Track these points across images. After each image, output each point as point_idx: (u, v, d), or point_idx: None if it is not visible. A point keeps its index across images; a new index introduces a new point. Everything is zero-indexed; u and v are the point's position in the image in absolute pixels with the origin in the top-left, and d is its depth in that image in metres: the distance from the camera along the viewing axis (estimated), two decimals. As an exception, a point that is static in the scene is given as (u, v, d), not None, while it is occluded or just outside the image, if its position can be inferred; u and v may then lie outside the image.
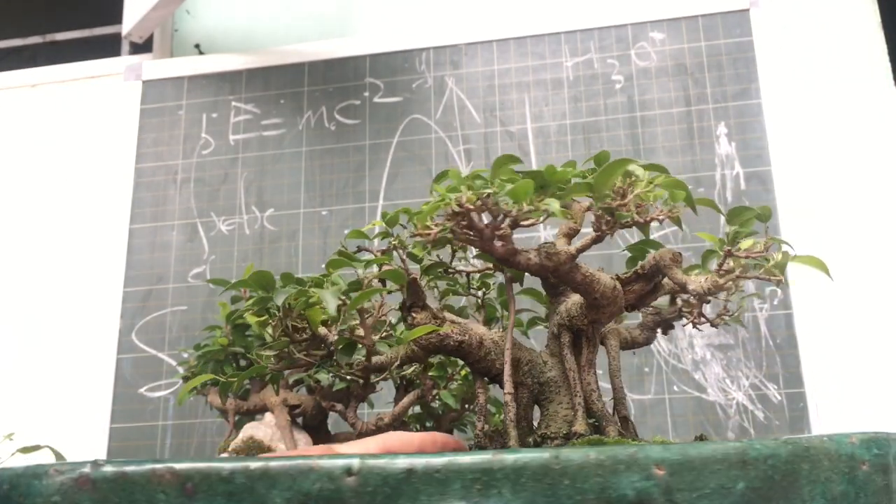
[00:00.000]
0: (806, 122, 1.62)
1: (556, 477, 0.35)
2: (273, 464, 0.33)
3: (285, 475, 0.33)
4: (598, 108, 1.67)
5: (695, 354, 1.51)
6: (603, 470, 0.35)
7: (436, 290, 0.64)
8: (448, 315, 0.59)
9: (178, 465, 0.34)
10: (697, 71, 1.66)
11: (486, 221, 0.49)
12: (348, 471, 0.33)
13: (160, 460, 0.35)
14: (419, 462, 0.34)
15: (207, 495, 0.33)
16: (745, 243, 0.52)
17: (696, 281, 0.51)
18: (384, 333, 0.63)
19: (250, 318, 0.68)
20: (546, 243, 0.51)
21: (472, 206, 0.47)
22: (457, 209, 0.47)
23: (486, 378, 0.58)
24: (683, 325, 0.58)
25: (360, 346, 0.62)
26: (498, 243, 0.49)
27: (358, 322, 0.58)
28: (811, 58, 1.66)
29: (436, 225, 0.49)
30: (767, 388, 1.47)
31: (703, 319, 0.59)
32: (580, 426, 0.51)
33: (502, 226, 0.48)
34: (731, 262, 0.51)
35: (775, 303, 1.50)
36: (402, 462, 0.34)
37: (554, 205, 0.47)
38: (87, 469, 0.35)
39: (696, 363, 1.50)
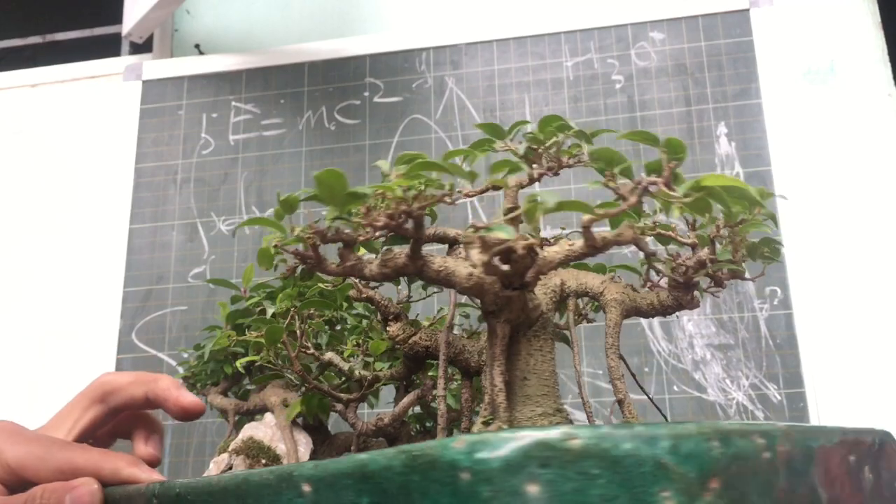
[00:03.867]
0: (806, 122, 1.62)
1: (245, 496, 0.37)
2: (115, 491, 0.44)
3: (122, 499, 0.44)
4: (598, 108, 1.67)
5: (695, 354, 1.51)
6: (271, 489, 0.36)
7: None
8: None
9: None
10: (697, 71, 1.66)
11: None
12: (154, 495, 0.41)
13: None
14: (184, 489, 0.40)
15: None
16: (502, 207, 0.47)
17: (466, 267, 0.48)
18: (351, 352, 0.63)
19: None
20: (386, 249, 0.50)
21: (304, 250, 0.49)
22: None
23: (473, 375, 0.58)
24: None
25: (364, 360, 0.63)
26: (333, 264, 0.50)
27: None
28: (811, 58, 1.66)
29: (283, 261, 0.50)
30: (767, 388, 1.47)
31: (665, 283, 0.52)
32: (476, 427, 0.50)
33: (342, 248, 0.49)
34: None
35: (775, 303, 1.50)
36: (173, 489, 0.41)
37: (333, 220, 0.48)
38: None
39: (696, 363, 1.50)
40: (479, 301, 0.51)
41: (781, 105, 1.60)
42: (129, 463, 0.48)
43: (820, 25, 1.68)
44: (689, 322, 1.52)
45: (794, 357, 1.47)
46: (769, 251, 0.53)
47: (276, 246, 0.48)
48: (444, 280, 0.49)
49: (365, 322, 0.66)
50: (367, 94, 1.78)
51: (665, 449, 0.31)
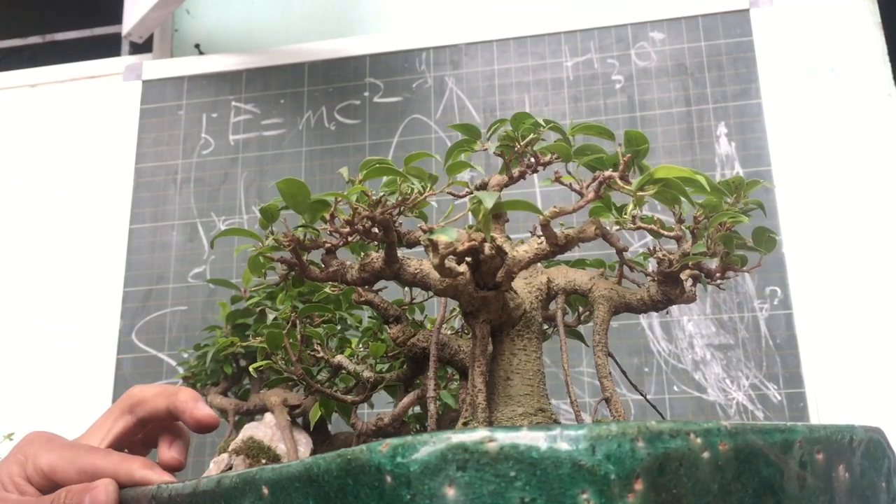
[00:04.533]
0: (806, 122, 1.62)
1: (217, 500, 0.38)
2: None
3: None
4: (598, 108, 1.67)
5: (695, 354, 1.51)
6: (237, 492, 0.37)
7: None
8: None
9: None
10: (697, 71, 1.66)
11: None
12: (152, 497, 0.44)
13: None
14: (159, 492, 0.44)
15: None
16: (449, 210, 0.48)
17: (434, 272, 0.48)
18: (351, 353, 0.64)
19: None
20: (364, 255, 0.51)
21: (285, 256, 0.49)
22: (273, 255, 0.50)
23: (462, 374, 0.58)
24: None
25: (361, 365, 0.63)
26: (317, 270, 0.50)
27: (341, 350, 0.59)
28: (811, 58, 1.66)
29: (271, 268, 0.51)
30: (767, 388, 1.47)
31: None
32: (457, 427, 0.50)
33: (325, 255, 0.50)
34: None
35: (775, 303, 1.50)
36: (146, 493, 0.45)
37: (299, 230, 0.49)
38: None
39: (696, 363, 1.50)
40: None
41: (781, 105, 1.60)
42: (142, 465, 0.50)
43: (820, 25, 1.68)
44: (689, 322, 1.52)
45: (794, 357, 1.47)
46: (763, 243, 0.52)
47: (260, 254, 0.49)
48: (420, 283, 0.49)
49: (374, 323, 0.66)
50: (367, 94, 1.78)
51: (583, 450, 0.31)
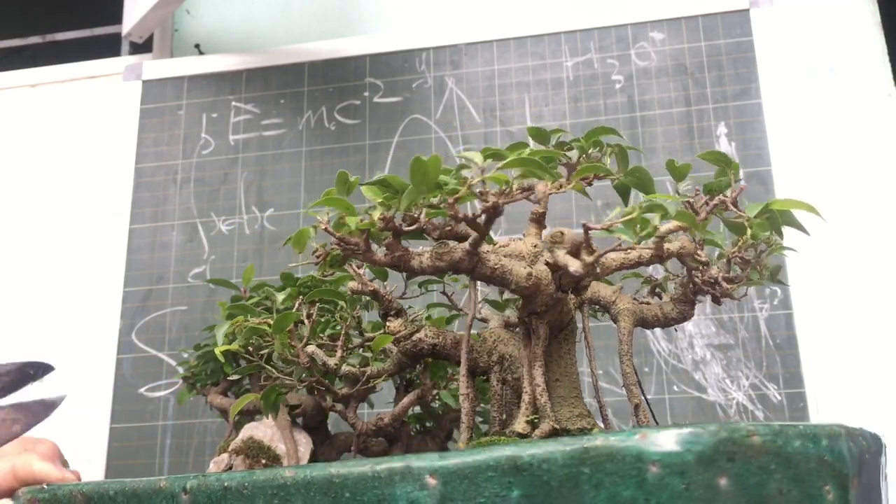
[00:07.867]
0: (806, 122, 1.62)
1: (338, 490, 0.37)
2: (139, 485, 0.43)
3: (144, 494, 0.43)
4: (598, 108, 1.67)
5: (695, 354, 1.51)
6: (380, 482, 0.36)
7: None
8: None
9: (84, 488, 0.44)
10: (697, 71, 1.66)
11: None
12: (184, 489, 0.41)
13: (78, 484, 0.45)
14: (232, 482, 0.40)
15: None
16: (615, 212, 0.49)
17: (576, 262, 0.47)
18: (349, 346, 0.63)
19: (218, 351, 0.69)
20: (440, 243, 0.50)
21: (354, 239, 0.49)
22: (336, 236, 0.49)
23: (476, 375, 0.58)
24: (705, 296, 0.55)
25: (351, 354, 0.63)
26: (380, 254, 0.50)
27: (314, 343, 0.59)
28: (811, 58, 1.66)
29: (322, 246, 0.51)
30: (767, 388, 1.47)
31: (714, 289, 0.54)
32: (519, 425, 0.50)
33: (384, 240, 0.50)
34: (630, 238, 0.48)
35: (775, 303, 1.50)
36: (220, 482, 0.41)
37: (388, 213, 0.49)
38: (36, 492, 0.46)
39: (696, 363, 1.50)
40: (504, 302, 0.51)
41: (781, 105, 1.60)
42: (42, 458, 0.49)
43: (820, 25, 1.68)
44: (689, 322, 1.52)
45: (794, 357, 1.47)
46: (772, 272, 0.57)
47: (326, 230, 0.49)
48: (497, 278, 0.50)
49: (339, 315, 0.65)
50: (367, 94, 1.78)
51: (825, 447, 0.34)
